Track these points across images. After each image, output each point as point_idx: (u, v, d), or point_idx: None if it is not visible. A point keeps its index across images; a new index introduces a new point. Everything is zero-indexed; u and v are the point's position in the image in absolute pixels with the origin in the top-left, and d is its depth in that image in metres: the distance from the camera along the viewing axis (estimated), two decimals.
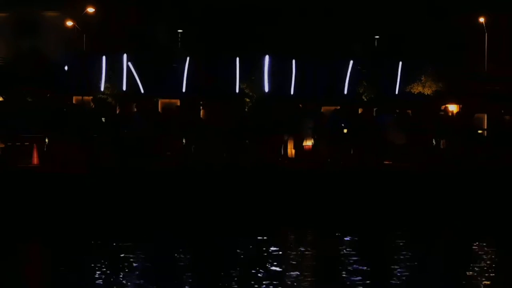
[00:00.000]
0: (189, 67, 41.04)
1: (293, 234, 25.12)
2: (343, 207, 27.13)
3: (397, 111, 33.89)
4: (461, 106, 40.08)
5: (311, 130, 30.49)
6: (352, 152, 29.84)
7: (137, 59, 41.36)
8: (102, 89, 40.09)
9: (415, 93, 41.87)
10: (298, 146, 30.13)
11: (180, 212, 26.39)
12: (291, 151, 30.31)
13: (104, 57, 41.07)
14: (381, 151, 29.60)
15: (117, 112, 34.37)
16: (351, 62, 41.93)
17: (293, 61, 41.35)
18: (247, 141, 30.17)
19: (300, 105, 34.08)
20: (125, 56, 41.02)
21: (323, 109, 33.65)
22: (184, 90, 40.12)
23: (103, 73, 40.52)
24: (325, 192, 27.50)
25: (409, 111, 34.31)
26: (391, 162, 29.62)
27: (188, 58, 41.07)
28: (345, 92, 41.48)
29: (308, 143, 30.45)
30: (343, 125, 31.07)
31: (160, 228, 25.18)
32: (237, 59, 41.08)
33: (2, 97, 37.01)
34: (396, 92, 41.36)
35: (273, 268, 19.80)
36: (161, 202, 26.53)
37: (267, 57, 41.24)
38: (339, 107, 33.29)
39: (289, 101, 37.58)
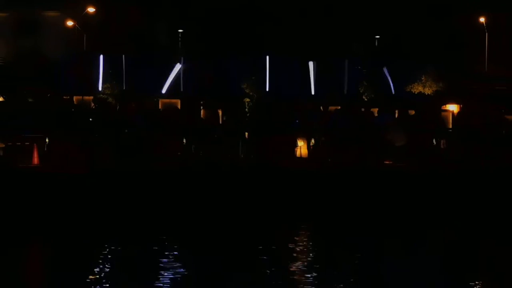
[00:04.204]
0: (189, 67, 41.05)
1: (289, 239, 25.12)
2: (343, 207, 27.15)
3: (397, 111, 33.91)
4: (461, 106, 40.11)
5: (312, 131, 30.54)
6: (352, 152, 29.83)
7: (137, 59, 41.40)
8: (100, 88, 40.11)
9: (416, 93, 41.91)
10: (309, 146, 30.22)
11: (180, 213, 26.40)
12: (300, 151, 30.35)
13: (103, 57, 41.12)
14: (381, 151, 29.60)
15: (117, 112, 34.35)
16: (349, 62, 41.98)
17: (293, 61, 41.39)
18: (250, 141, 30.23)
19: (299, 105, 34.09)
20: (124, 56, 41.07)
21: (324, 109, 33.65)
22: (182, 89, 40.12)
23: (99, 73, 40.56)
24: (324, 192, 27.51)
25: (409, 111, 34.31)
26: (391, 162, 29.63)
27: (182, 58, 41.10)
28: (345, 92, 41.54)
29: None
30: (343, 125, 31.06)
31: (160, 229, 25.18)
32: (235, 59, 41.15)
33: (2, 97, 37.03)
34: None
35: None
36: (162, 202, 26.54)
37: (267, 57, 41.27)
38: (339, 107, 33.29)
39: (290, 101, 37.58)
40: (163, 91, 39.69)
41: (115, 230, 24.86)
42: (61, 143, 28.38)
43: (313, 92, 40.66)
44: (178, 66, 39.65)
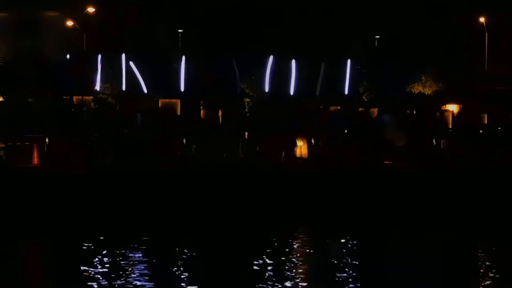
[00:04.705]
0: (189, 67, 41.01)
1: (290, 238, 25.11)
2: (343, 207, 27.15)
3: (396, 111, 33.89)
4: (461, 106, 40.10)
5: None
6: (352, 152, 29.85)
7: (137, 59, 41.36)
8: (99, 88, 40.04)
9: (415, 93, 41.87)
10: (309, 146, 30.25)
11: (180, 213, 26.40)
12: (300, 151, 30.38)
13: (103, 57, 41.09)
14: (381, 151, 29.61)
15: (117, 112, 34.36)
16: (351, 62, 41.93)
17: (293, 61, 41.33)
18: (250, 141, 30.25)
19: (299, 105, 34.12)
20: (123, 56, 41.03)
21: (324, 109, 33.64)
22: (182, 89, 40.05)
23: (98, 73, 40.50)
24: (324, 192, 27.51)
25: (409, 111, 34.32)
26: (391, 162, 29.63)
27: (183, 57, 41.03)
28: (346, 92, 41.49)
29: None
30: (342, 125, 31.09)
31: (160, 229, 25.18)
32: (235, 58, 41.07)
33: (3, 97, 36.99)
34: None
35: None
36: (162, 202, 26.53)
37: (268, 57, 41.23)
38: (339, 107, 33.32)
39: (290, 101, 37.59)
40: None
41: (115, 230, 24.86)
42: (61, 143, 28.39)
43: (317, 93, 40.61)
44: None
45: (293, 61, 41.20)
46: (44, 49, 43.85)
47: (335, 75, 41.86)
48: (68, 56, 43.20)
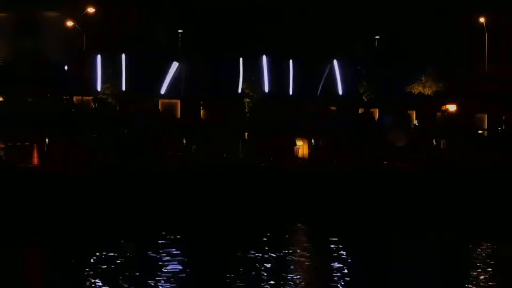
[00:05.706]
0: (189, 67, 41.00)
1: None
2: (343, 207, 27.16)
3: (396, 111, 33.93)
4: (461, 106, 40.09)
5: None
6: (352, 152, 29.88)
7: (137, 59, 41.37)
8: (99, 89, 40.04)
9: (415, 93, 41.88)
10: (310, 146, 30.30)
11: (180, 213, 26.40)
12: (301, 151, 30.40)
13: (102, 57, 41.12)
14: (381, 151, 29.63)
15: (117, 112, 34.36)
16: (351, 62, 41.94)
17: (293, 61, 41.34)
18: (250, 141, 30.27)
19: (299, 105, 34.14)
20: (123, 56, 41.04)
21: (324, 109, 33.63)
22: (163, 92, 39.95)
23: (98, 73, 40.52)
24: (324, 192, 27.52)
25: (409, 111, 34.33)
26: (391, 162, 29.64)
27: (183, 57, 41.07)
28: (345, 92, 41.50)
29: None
30: (342, 125, 31.11)
31: (160, 229, 25.18)
32: (241, 59, 41.08)
33: (2, 97, 37.00)
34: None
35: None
36: (162, 202, 26.54)
37: (266, 57, 41.25)
38: (339, 108, 33.33)
39: (289, 102, 37.59)
40: (162, 91, 39.73)
41: (115, 229, 24.86)
42: (61, 143, 28.40)
43: (318, 94, 40.62)
44: (175, 65, 39.62)
45: (291, 61, 41.20)
46: (44, 49, 43.84)
47: (335, 76, 41.89)
48: (68, 57, 43.21)
